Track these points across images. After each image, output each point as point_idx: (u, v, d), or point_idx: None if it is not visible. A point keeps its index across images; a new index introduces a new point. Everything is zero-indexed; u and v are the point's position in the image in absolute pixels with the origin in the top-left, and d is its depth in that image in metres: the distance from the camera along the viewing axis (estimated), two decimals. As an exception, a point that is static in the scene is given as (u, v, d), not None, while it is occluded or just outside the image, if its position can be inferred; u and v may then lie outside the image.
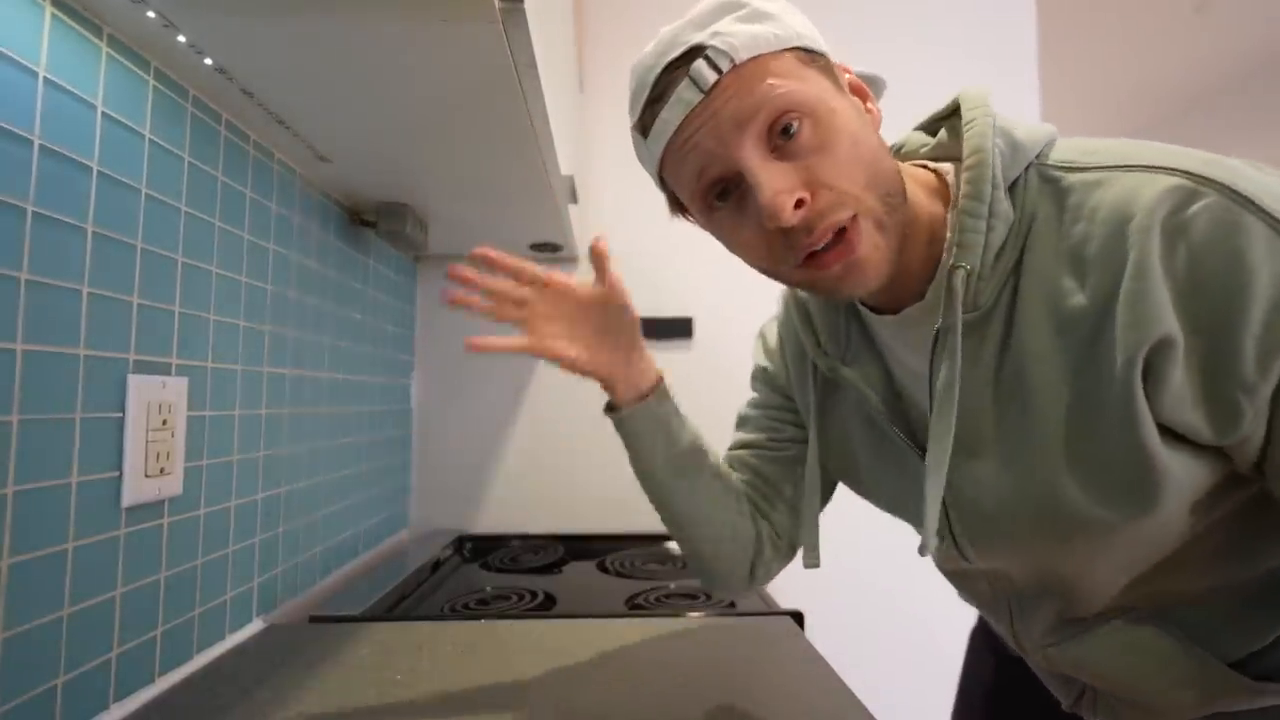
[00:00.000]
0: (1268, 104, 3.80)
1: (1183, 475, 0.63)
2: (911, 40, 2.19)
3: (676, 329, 2.09)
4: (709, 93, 0.65)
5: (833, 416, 0.86)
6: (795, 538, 0.93)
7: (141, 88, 0.91)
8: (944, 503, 0.73)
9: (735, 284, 2.09)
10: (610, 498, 2.06)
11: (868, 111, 0.70)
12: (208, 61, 0.93)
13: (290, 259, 1.29)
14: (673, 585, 1.43)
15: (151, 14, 0.83)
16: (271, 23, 0.84)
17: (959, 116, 0.74)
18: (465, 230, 1.77)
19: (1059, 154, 0.68)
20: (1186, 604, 0.73)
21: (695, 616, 1.20)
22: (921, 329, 0.72)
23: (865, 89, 0.72)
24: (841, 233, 0.65)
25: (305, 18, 0.82)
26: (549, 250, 1.95)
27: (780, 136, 0.65)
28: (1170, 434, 0.62)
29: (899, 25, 2.20)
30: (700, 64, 0.65)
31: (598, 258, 0.86)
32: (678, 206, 0.77)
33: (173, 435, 0.96)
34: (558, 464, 2.07)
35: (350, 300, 1.57)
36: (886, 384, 0.79)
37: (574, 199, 1.60)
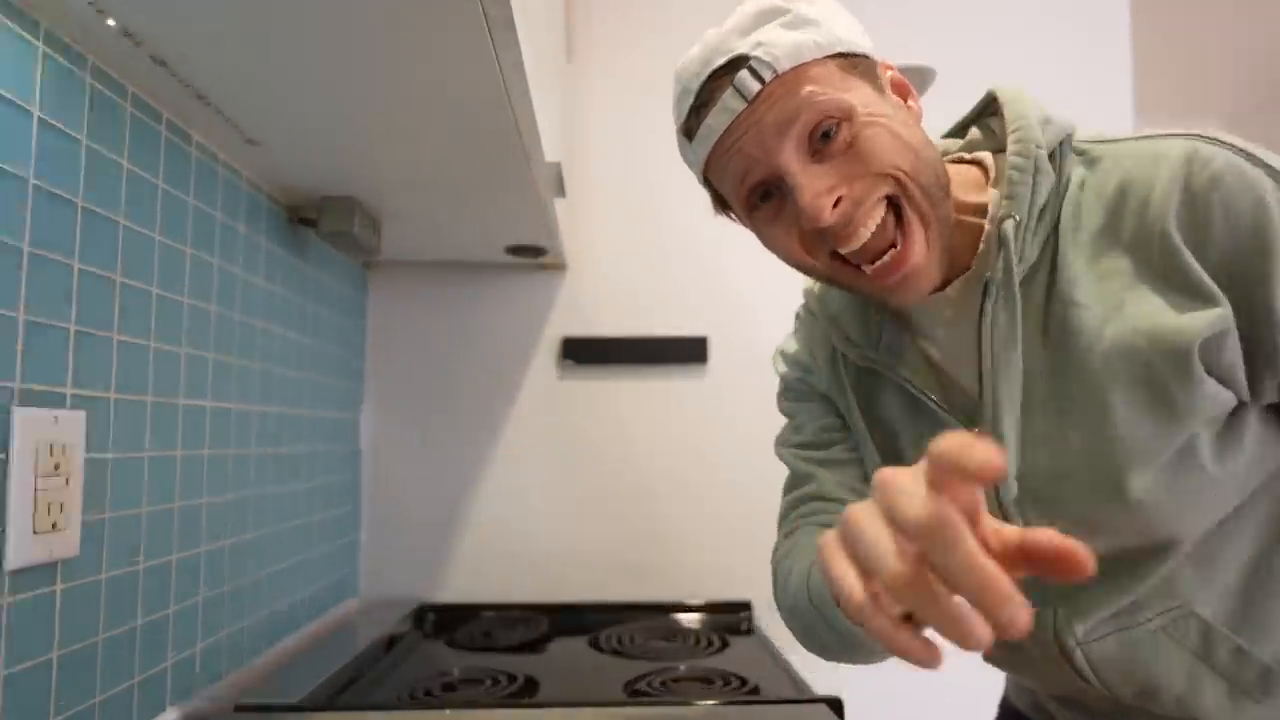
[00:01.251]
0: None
1: (1213, 387, 0.80)
2: (998, 15, 2.22)
3: (687, 351, 2.09)
4: (752, 101, 0.81)
5: (875, 415, 1.01)
6: None
7: (29, 53, 0.91)
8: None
9: (761, 294, 2.09)
10: (605, 560, 2.05)
11: (908, 108, 0.87)
12: (110, 23, 0.93)
13: (211, 265, 1.29)
14: (682, 667, 1.42)
15: (43, -34, 0.84)
16: (189, -25, 0.84)
17: (990, 114, 0.96)
18: (426, 230, 1.78)
19: (1084, 136, 0.90)
20: (1225, 596, 0.89)
21: (710, 705, 1.19)
22: (968, 300, 0.89)
23: (906, 86, 0.88)
24: (894, 222, 0.83)
25: (231, -31, 0.83)
26: (530, 254, 1.95)
27: (819, 140, 0.81)
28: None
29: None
30: (744, 74, 0.81)
31: None
32: (721, 205, 0.95)
33: (67, 483, 0.96)
34: (540, 517, 2.07)
35: (285, 316, 1.58)
36: (927, 369, 0.95)
37: (561, 191, 1.60)
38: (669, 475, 2.08)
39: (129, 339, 1.09)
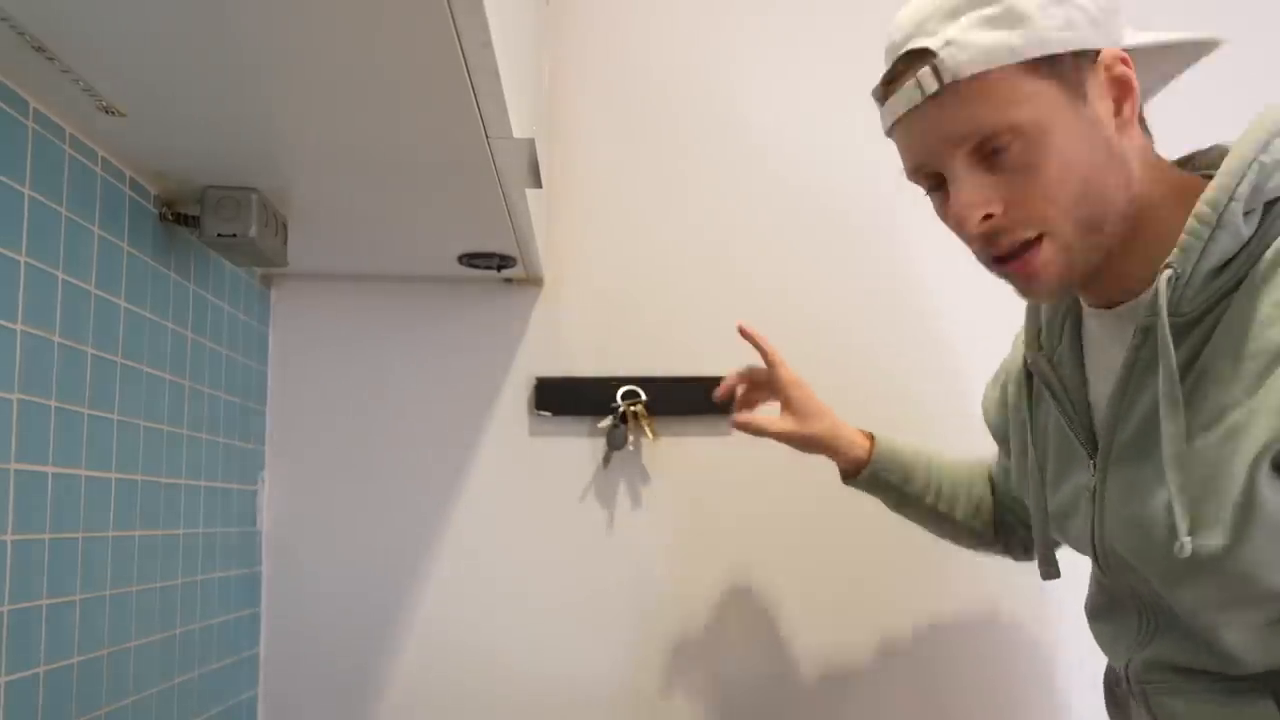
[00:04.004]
0: None
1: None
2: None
3: (709, 398, 2.05)
4: (930, 96, 1.08)
5: (1039, 423, 1.36)
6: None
7: None
8: (1095, 507, 1.22)
9: (814, 316, 2.09)
10: (596, 691, 2.03)
11: (1117, 114, 1.10)
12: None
13: (54, 278, 1.27)
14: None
15: None
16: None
17: None
18: (350, 232, 1.77)
19: None
20: None
21: None
22: (1128, 326, 1.14)
23: (1128, 86, 1.10)
24: (1025, 245, 1.10)
25: None
26: (492, 265, 1.93)
27: (992, 154, 1.08)
28: None
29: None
30: (927, 71, 1.07)
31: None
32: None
33: None
34: (507, 632, 2.04)
35: (155, 350, 1.56)
36: (1078, 386, 1.26)
37: (536, 180, 1.58)
38: (685, 572, 2.06)
39: (-65, 379, 1.07)
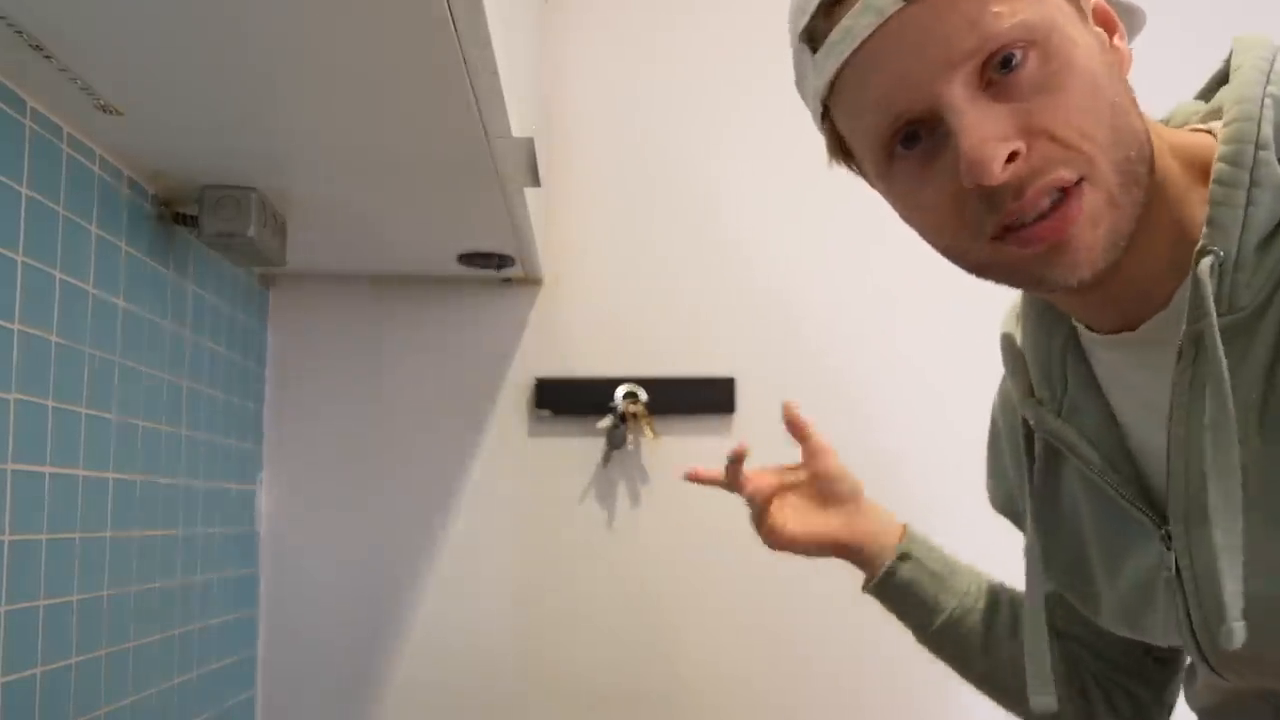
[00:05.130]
0: None
1: None
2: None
3: (707, 397, 2.07)
4: (910, 2, 0.76)
5: (1057, 498, 1.08)
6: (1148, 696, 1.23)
7: None
8: (1182, 589, 0.90)
9: (810, 316, 2.08)
10: (596, 692, 2.02)
11: (1113, 49, 0.84)
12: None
13: (51, 277, 1.27)
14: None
15: None
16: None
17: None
18: (350, 232, 1.77)
19: None
20: None
21: None
22: (1168, 347, 0.84)
23: (1114, 19, 0.85)
24: (1060, 200, 0.78)
25: None
26: (491, 265, 1.92)
27: (998, 70, 0.77)
28: None
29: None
30: None
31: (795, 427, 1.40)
32: (840, 152, 0.92)
33: None
34: (505, 632, 2.04)
35: (154, 349, 1.55)
36: (1112, 437, 0.96)
37: (534, 179, 1.58)
38: (685, 571, 2.06)
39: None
